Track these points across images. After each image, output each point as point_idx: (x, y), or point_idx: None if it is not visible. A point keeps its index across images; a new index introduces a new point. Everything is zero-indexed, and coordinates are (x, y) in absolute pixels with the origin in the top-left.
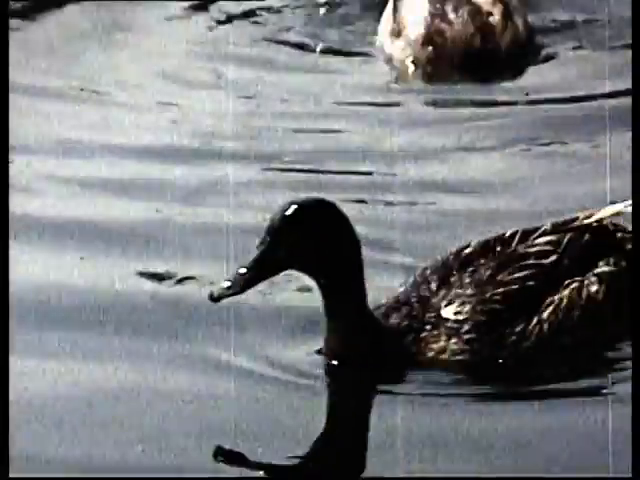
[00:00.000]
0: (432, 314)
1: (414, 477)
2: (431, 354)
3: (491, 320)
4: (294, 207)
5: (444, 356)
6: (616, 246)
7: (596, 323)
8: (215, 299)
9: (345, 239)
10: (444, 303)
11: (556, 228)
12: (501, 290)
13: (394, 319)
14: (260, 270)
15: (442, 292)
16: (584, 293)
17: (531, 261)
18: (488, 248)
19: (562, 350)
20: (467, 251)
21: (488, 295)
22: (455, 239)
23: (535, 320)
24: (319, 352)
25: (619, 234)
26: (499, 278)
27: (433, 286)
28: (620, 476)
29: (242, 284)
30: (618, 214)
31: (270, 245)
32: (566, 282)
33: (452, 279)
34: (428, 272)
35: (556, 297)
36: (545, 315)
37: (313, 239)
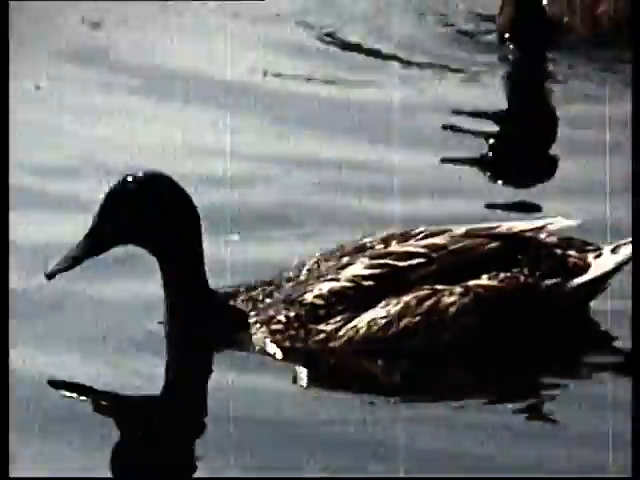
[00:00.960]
0: (270, 300)
1: (413, 477)
2: (245, 338)
3: (307, 314)
4: (119, 182)
5: (254, 341)
6: (521, 262)
7: (439, 337)
8: (49, 276)
9: (177, 213)
10: (287, 292)
11: (469, 233)
12: (328, 285)
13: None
14: (90, 246)
15: (296, 281)
16: (428, 303)
17: (384, 261)
18: (380, 242)
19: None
20: (357, 242)
21: (316, 289)
22: None
23: (353, 323)
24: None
25: (536, 250)
26: (338, 274)
27: (302, 273)
28: (620, 476)
29: (72, 260)
30: (542, 228)
31: (97, 220)
32: (415, 288)
33: (316, 269)
34: (315, 259)
35: (390, 303)
36: (365, 319)
37: (138, 213)
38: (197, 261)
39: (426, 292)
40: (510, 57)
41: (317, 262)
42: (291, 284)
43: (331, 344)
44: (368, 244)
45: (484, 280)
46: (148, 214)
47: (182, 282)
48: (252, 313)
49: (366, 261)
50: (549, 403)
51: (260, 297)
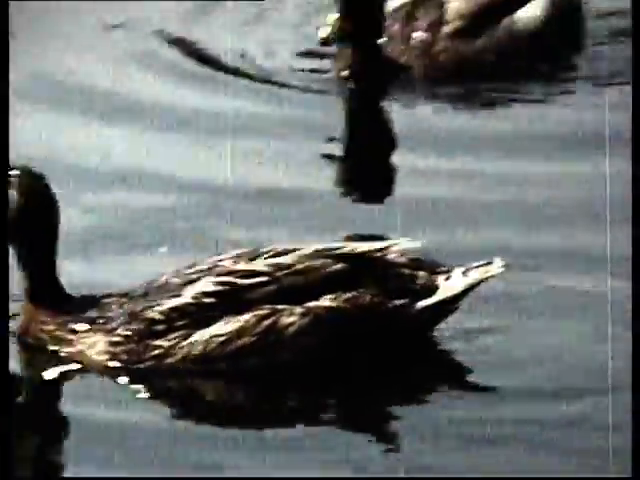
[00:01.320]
0: (120, 311)
1: (414, 477)
2: (83, 347)
3: (146, 329)
4: None
5: (91, 352)
6: (368, 282)
7: (277, 356)
8: None
9: (38, 211)
10: (133, 306)
11: (315, 253)
12: (170, 301)
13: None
14: None
15: (145, 297)
16: (266, 322)
17: (226, 278)
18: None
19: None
20: (209, 261)
21: (158, 305)
22: None
23: (190, 339)
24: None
25: (383, 270)
26: (182, 291)
27: (151, 288)
28: (620, 476)
29: None
30: (385, 249)
31: None
32: (256, 307)
33: (164, 286)
34: (165, 276)
35: (230, 321)
36: (203, 337)
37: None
38: (52, 262)
39: (265, 311)
40: (347, 97)
41: (166, 279)
42: (139, 299)
43: (167, 360)
44: (219, 262)
45: (326, 301)
46: (9, 209)
47: (38, 283)
48: (100, 321)
49: (211, 278)
50: (392, 425)
51: (112, 307)
